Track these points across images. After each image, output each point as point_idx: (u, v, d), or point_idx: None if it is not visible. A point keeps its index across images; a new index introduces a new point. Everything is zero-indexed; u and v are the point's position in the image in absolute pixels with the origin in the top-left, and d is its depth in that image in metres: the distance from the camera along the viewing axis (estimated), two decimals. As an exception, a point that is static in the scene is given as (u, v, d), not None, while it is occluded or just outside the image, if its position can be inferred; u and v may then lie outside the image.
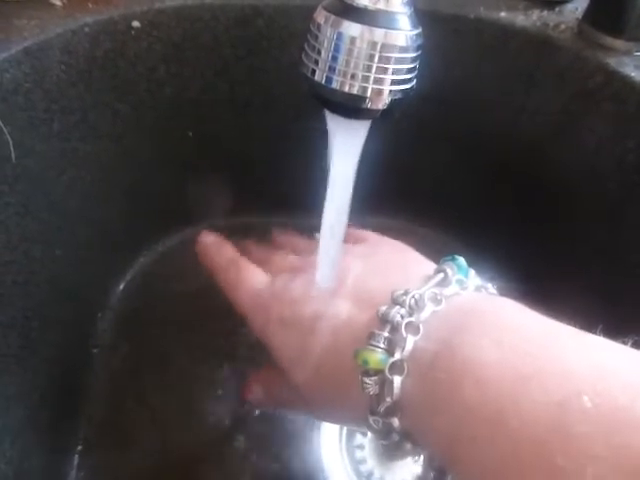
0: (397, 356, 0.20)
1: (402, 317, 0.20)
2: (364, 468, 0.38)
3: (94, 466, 0.37)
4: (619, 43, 0.35)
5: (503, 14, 0.38)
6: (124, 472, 0.37)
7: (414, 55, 0.18)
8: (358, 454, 0.39)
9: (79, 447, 0.37)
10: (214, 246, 0.30)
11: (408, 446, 0.22)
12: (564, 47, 0.37)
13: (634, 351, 0.17)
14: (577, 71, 0.36)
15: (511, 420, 0.16)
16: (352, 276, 0.25)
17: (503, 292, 0.23)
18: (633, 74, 0.34)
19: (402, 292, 0.21)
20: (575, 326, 0.19)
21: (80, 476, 0.36)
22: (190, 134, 0.43)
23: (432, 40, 0.38)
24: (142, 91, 0.38)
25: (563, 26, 0.38)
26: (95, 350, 0.41)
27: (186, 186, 0.45)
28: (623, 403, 0.15)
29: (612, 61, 0.35)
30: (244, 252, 0.30)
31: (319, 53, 0.17)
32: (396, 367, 0.20)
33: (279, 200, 0.46)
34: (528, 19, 0.38)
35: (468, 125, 0.42)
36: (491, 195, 0.45)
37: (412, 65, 0.18)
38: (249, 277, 0.27)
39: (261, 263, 0.28)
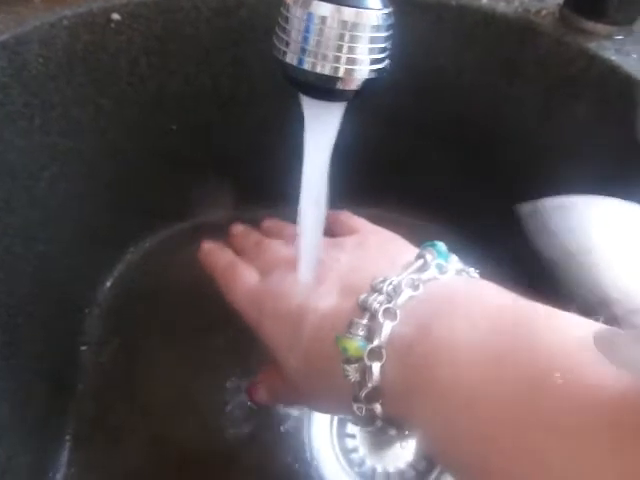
0: (375, 343, 0.20)
1: (380, 304, 0.21)
2: (356, 457, 0.38)
3: (84, 462, 0.37)
4: (600, 27, 0.36)
5: (485, 1, 0.38)
6: (115, 468, 0.37)
7: (386, 34, 0.18)
8: (349, 443, 0.39)
9: (69, 443, 0.37)
10: (214, 251, 0.32)
11: (392, 432, 0.22)
12: (546, 33, 0.37)
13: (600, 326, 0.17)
14: (559, 56, 0.36)
15: (484, 400, 0.17)
16: (338, 267, 0.26)
17: (490, 277, 0.23)
18: (614, 58, 0.34)
19: (381, 280, 0.22)
20: (555, 306, 0.19)
21: (70, 472, 0.36)
22: (174, 128, 0.42)
23: (414, 28, 0.39)
24: (124, 84, 0.38)
25: (544, 12, 0.38)
26: (83, 347, 0.41)
27: (172, 181, 0.45)
28: (593, 380, 0.15)
29: (593, 45, 0.35)
30: (233, 236, 0.33)
31: (289, 35, 0.17)
32: (375, 353, 0.20)
33: (266, 192, 0.46)
34: (509, 5, 0.38)
35: (451, 113, 0.42)
36: (477, 184, 0.45)
37: (384, 45, 0.18)
38: (243, 276, 0.28)
39: (253, 259, 0.30)
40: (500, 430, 0.16)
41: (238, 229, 0.34)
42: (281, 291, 0.26)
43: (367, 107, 0.36)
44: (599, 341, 0.14)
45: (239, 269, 0.29)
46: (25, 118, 0.33)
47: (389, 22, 0.17)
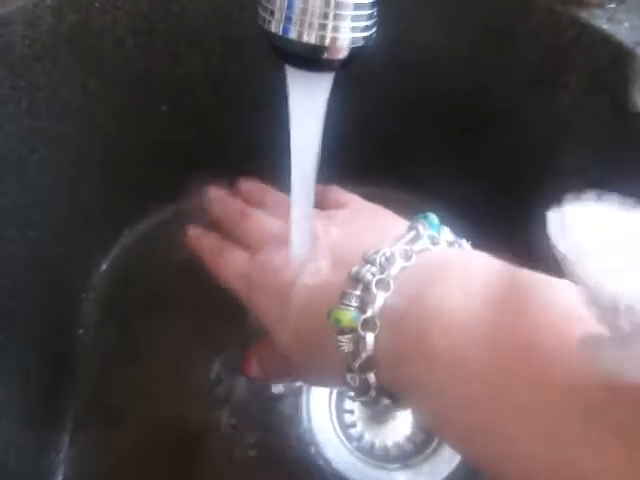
0: (369, 313, 0.20)
1: (373, 275, 0.21)
2: (354, 432, 0.39)
3: (85, 443, 0.37)
4: (591, -4, 0.35)
5: (474, -29, 0.37)
6: (116, 448, 0.37)
7: (372, 1, 0.17)
8: (348, 418, 0.39)
9: (70, 425, 0.37)
10: (201, 236, 0.32)
11: (386, 401, 0.22)
12: (536, 2, 0.36)
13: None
14: (550, 26, 0.36)
15: (475, 364, 0.17)
16: (329, 241, 0.26)
17: (482, 249, 0.23)
18: (605, 26, 0.34)
19: (374, 251, 0.22)
20: (547, 273, 0.19)
21: (72, 453, 0.36)
22: (164, 109, 0.42)
23: (403, 1, 0.38)
24: (111, 66, 0.37)
25: (535, -19, 0.37)
26: (81, 330, 0.41)
27: (164, 163, 0.44)
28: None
29: (584, 14, 0.35)
30: (213, 201, 0.33)
31: (274, 3, 0.17)
32: (368, 324, 0.20)
33: (259, 172, 0.45)
34: (500, -25, 0.38)
35: (442, 87, 0.42)
36: (471, 158, 0.45)
37: (370, 11, 0.18)
38: (231, 255, 0.28)
39: (239, 234, 0.29)
40: (489, 391, 0.16)
41: (217, 193, 0.34)
42: (271, 266, 0.26)
43: (356, 82, 0.36)
44: (582, 346, 0.14)
45: (227, 250, 0.29)
46: (13, 101, 0.32)
47: (375, -12, 0.17)
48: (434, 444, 0.38)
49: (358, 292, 0.21)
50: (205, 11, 0.38)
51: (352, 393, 0.22)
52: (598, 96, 0.35)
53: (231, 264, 0.28)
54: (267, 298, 0.25)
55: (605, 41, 0.34)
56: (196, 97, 0.43)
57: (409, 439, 0.39)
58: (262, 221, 0.29)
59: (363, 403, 0.22)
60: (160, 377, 0.40)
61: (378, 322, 0.20)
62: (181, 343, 0.41)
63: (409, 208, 0.27)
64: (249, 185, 0.34)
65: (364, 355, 0.20)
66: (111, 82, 0.38)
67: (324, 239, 0.25)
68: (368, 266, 0.21)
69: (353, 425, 0.39)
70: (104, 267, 0.44)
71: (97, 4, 0.35)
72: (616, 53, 0.33)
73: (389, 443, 0.39)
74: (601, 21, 0.34)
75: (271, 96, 0.42)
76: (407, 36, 0.39)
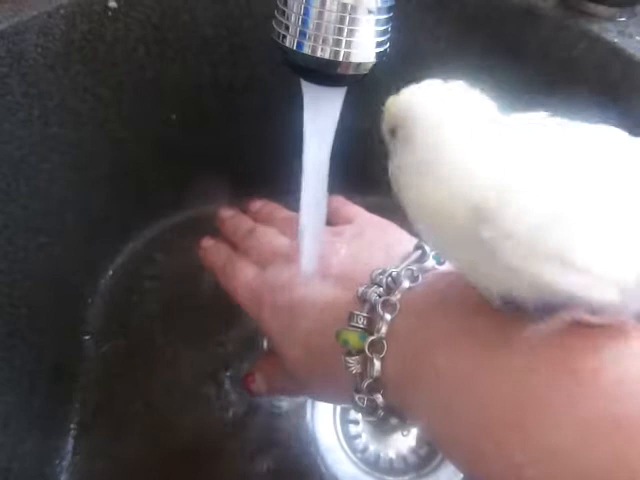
0: (376, 335, 0.20)
1: (379, 296, 0.21)
2: (359, 443, 0.39)
3: (89, 450, 0.37)
4: (602, 9, 0.35)
5: (486, -16, 0.38)
6: (120, 455, 0.37)
7: (386, 17, 0.17)
8: (352, 429, 0.39)
9: (73, 431, 0.37)
10: (213, 249, 0.32)
11: (394, 421, 0.22)
12: (547, 16, 0.36)
13: None
14: (561, 39, 0.36)
15: (480, 386, 0.17)
16: (337, 259, 0.26)
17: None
18: (616, 40, 0.34)
19: (380, 272, 0.22)
20: None
21: (76, 460, 0.36)
22: (173, 117, 0.42)
23: (416, 13, 0.38)
24: (122, 74, 0.38)
25: (546, -6, 0.37)
26: (86, 336, 0.41)
27: (172, 170, 0.45)
28: (586, 373, 0.15)
29: (595, 28, 0.35)
30: (224, 221, 0.33)
31: (289, 18, 0.17)
32: (375, 345, 0.20)
33: (266, 181, 0.45)
34: (511, -11, 0.38)
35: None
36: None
37: (385, 27, 0.18)
38: (242, 271, 0.29)
39: (249, 251, 0.30)
40: (495, 415, 0.16)
41: (227, 213, 0.34)
42: (280, 283, 0.26)
43: (363, 91, 0.36)
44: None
45: (237, 265, 0.29)
46: (24, 109, 0.33)
47: (389, 4, 0.17)
48: (439, 457, 0.38)
49: (365, 313, 0.21)
50: (214, 20, 0.38)
51: (361, 413, 0.22)
52: (608, 109, 0.35)
53: (242, 279, 0.28)
54: (276, 314, 0.26)
55: (616, 55, 0.34)
56: (205, 105, 0.43)
57: (414, 451, 0.38)
58: (270, 236, 0.30)
59: (371, 421, 0.23)
60: (164, 384, 0.40)
61: (385, 343, 0.20)
62: (185, 350, 0.41)
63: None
64: (259, 204, 0.35)
65: (371, 377, 0.20)
66: (121, 90, 0.38)
67: (332, 257, 0.26)
68: (374, 287, 0.21)
69: (358, 436, 0.39)
70: (110, 273, 0.44)
71: (110, 13, 0.35)
72: (627, 66, 0.33)
73: (393, 455, 0.38)
74: (612, 35, 0.34)
75: (279, 104, 0.42)
76: (417, 47, 0.39)
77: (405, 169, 0.17)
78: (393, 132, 0.17)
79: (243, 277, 0.28)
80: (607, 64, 0.34)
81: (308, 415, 0.39)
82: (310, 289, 0.25)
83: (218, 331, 0.42)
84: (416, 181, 0.16)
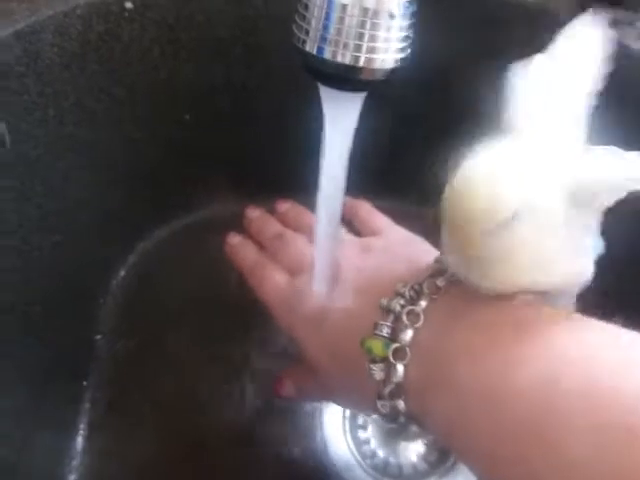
0: (400, 343, 0.21)
1: (403, 307, 0.22)
2: (368, 448, 0.38)
3: (100, 450, 0.37)
4: (620, 14, 0.35)
5: (502, -13, 0.37)
6: (129, 455, 0.37)
7: (408, 22, 0.17)
8: (361, 434, 0.39)
9: (84, 431, 0.37)
10: (240, 247, 0.33)
11: (414, 428, 0.23)
12: (563, 20, 0.36)
13: (620, 331, 0.18)
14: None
15: (502, 397, 0.17)
16: (365, 271, 0.27)
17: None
18: (634, 45, 0.33)
19: (403, 284, 0.23)
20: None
21: (85, 459, 0.36)
22: (187, 117, 0.42)
23: (429, 14, 0.38)
24: (137, 74, 0.38)
25: (563, -2, 0.37)
26: (98, 336, 0.41)
27: (186, 170, 0.45)
28: (605, 384, 0.16)
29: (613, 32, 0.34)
30: (250, 221, 0.34)
31: (309, 23, 0.17)
32: (399, 353, 0.21)
33: (281, 183, 0.45)
34: (527, -8, 0.37)
35: (467, 102, 0.41)
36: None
37: (406, 33, 0.17)
38: (273, 277, 0.29)
39: (277, 256, 0.31)
40: (518, 424, 0.17)
41: (254, 213, 0.35)
42: (309, 291, 0.27)
43: (380, 98, 0.36)
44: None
45: (268, 269, 0.30)
46: (40, 108, 0.33)
47: (411, 10, 0.17)
48: (448, 463, 0.38)
49: (389, 322, 0.22)
50: (229, 21, 0.38)
51: (383, 419, 0.23)
52: (626, 115, 0.34)
53: (273, 285, 0.29)
54: (305, 323, 0.27)
55: (633, 59, 0.33)
56: (218, 106, 0.43)
57: (423, 458, 0.38)
58: (301, 246, 0.30)
59: (391, 428, 0.23)
60: (175, 384, 0.40)
61: (408, 351, 0.21)
62: (197, 350, 0.41)
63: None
64: (286, 206, 0.35)
65: (394, 382, 0.21)
66: (136, 90, 0.38)
67: (361, 268, 0.27)
68: (398, 298, 0.22)
69: (367, 442, 0.39)
70: (122, 273, 0.45)
71: (126, 14, 0.35)
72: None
73: (403, 461, 0.38)
74: (630, 40, 0.34)
75: (293, 105, 0.42)
76: (432, 49, 0.39)
77: None
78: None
79: (274, 283, 0.29)
80: (625, 69, 0.34)
81: (317, 420, 0.39)
82: (338, 299, 0.26)
83: (229, 331, 0.42)
84: None
